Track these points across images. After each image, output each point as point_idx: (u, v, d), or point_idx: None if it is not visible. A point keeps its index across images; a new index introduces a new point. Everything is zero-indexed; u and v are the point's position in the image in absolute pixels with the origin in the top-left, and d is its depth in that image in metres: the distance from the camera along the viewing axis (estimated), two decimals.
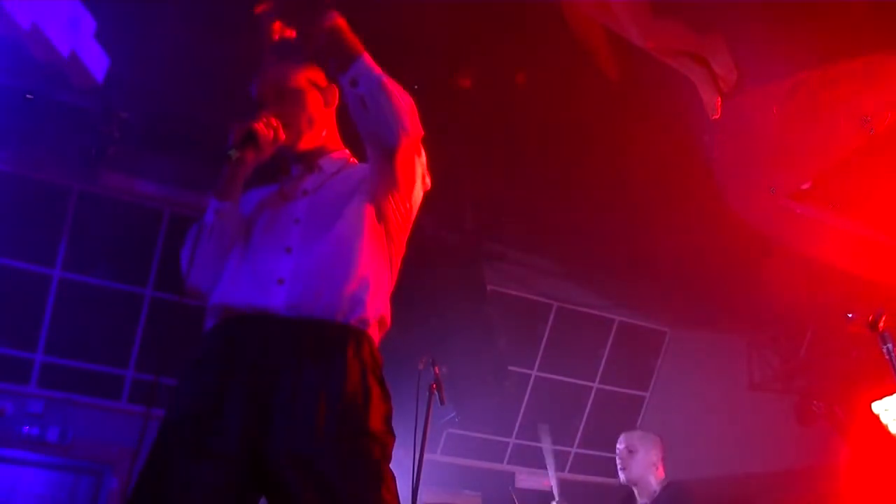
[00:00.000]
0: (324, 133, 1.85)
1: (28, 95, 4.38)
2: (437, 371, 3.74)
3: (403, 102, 1.61)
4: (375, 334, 1.66)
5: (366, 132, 1.63)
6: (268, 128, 1.68)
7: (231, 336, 1.57)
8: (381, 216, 1.72)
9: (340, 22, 1.63)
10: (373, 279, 1.65)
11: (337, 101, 1.88)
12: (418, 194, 1.79)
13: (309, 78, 1.85)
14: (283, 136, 1.72)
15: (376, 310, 1.64)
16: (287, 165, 1.88)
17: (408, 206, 1.77)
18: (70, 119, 4.61)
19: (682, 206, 5.31)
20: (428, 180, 1.82)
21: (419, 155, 1.74)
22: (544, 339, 7.17)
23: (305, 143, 1.81)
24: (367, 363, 1.57)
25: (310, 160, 1.83)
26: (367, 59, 1.62)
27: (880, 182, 4.23)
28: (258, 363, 1.52)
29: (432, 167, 1.81)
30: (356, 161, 1.89)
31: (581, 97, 4.46)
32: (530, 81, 4.44)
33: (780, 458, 6.77)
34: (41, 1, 3.21)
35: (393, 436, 1.56)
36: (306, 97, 1.81)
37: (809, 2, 3.23)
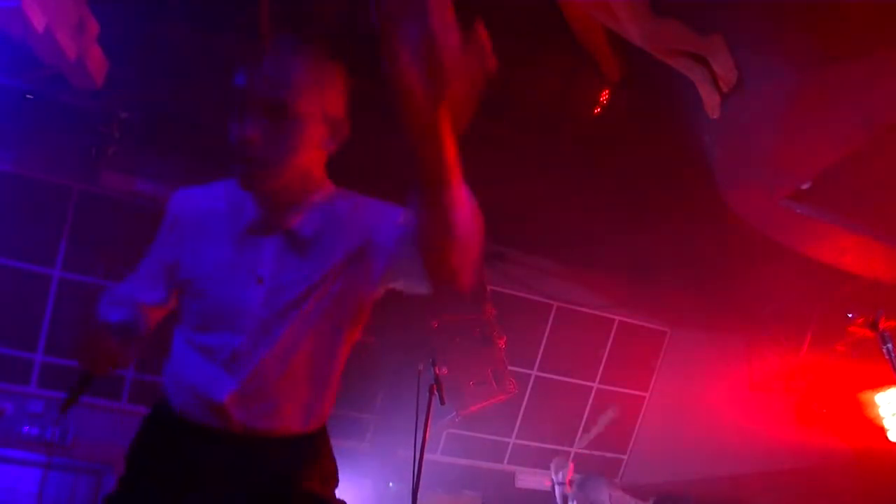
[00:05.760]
0: (305, 175, 1.46)
1: (28, 96, 4.38)
2: (437, 371, 3.75)
3: (476, 241, 1.26)
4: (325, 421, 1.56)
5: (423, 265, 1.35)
6: (98, 364, 1.54)
7: (184, 452, 1.47)
8: (357, 308, 1.54)
9: (446, 118, 1.04)
10: (334, 378, 1.53)
11: (343, 141, 1.49)
12: None
13: (320, 102, 1.40)
14: (126, 364, 1.56)
15: (331, 405, 1.55)
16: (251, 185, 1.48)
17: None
18: (70, 119, 4.61)
19: (682, 206, 5.31)
20: None
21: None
22: (544, 339, 7.17)
23: (276, 183, 1.43)
24: (326, 471, 1.53)
25: (279, 204, 1.48)
26: (456, 189, 1.18)
27: (880, 182, 4.22)
28: (215, 484, 1.44)
29: None
30: (339, 199, 1.53)
31: (582, 95, 4.46)
32: (530, 79, 4.43)
33: (780, 458, 6.77)
34: (55, 4, 3.23)
35: None
36: (304, 129, 1.39)
37: (810, 2, 3.23)
